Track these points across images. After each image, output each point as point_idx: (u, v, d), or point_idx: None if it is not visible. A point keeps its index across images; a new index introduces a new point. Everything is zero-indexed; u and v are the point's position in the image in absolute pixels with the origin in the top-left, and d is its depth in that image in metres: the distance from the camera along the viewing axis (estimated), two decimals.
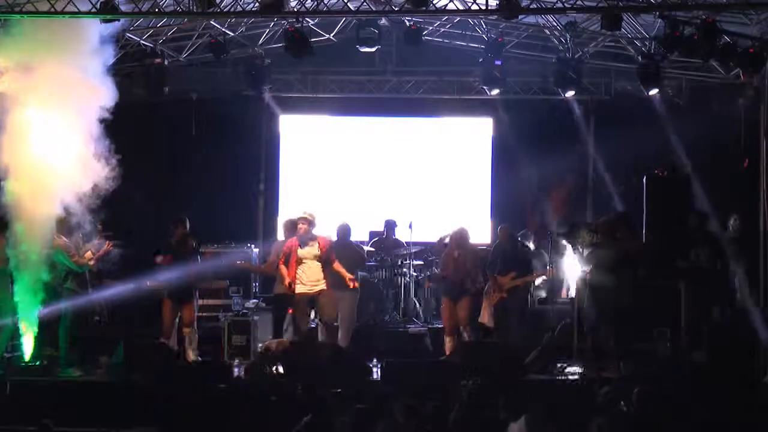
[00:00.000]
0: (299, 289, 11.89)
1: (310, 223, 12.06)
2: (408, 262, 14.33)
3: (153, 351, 11.13)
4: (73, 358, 11.44)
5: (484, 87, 14.91)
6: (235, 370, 11.53)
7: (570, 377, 11.12)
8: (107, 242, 11.76)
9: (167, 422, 9.42)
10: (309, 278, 11.95)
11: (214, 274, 13.23)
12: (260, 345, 12.25)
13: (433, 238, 14.22)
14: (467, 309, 12.05)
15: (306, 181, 16.14)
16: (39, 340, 11.47)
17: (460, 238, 12.23)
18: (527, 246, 13.29)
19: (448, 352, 11.94)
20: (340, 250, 12.35)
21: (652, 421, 7.89)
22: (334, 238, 12.68)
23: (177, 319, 11.98)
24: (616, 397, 8.31)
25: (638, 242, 12.43)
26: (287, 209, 15.67)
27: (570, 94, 14.42)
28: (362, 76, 15.86)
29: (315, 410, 8.29)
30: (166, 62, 14.04)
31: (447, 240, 12.59)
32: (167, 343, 11.76)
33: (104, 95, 11.36)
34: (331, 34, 14.53)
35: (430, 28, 14.61)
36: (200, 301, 12.75)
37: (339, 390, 9.69)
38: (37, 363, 11.32)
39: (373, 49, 13.63)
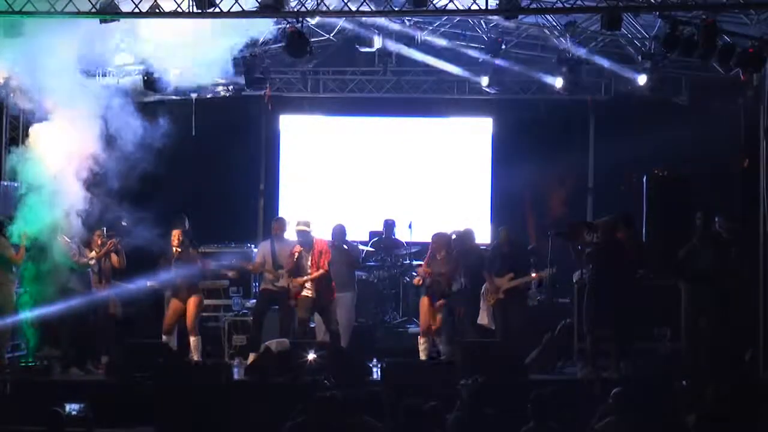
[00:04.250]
0: (304, 292, 12.04)
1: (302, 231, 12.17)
2: (408, 262, 14.33)
3: (153, 351, 11.12)
4: (73, 357, 11.45)
5: (484, 87, 14.92)
6: (235, 370, 11.54)
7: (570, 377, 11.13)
8: (110, 241, 11.79)
9: (167, 422, 9.42)
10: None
11: (214, 274, 13.24)
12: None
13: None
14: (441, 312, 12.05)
15: (306, 181, 16.15)
16: (39, 339, 11.49)
17: (461, 239, 12.31)
18: (525, 247, 13.23)
19: (422, 355, 11.94)
20: (333, 253, 12.34)
21: (654, 421, 7.88)
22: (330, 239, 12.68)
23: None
24: (625, 397, 8.27)
25: (639, 242, 12.42)
26: (287, 209, 15.70)
27: None
28: (362, 76, 15.87)
29: (315, 410, 8.27)
30: None
31: (454, 237, 12.60)
32: (167, 342, 11.80)
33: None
34: (331, 34, 14.54)
35: (430, 28, 14.62)
36: None
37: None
38: (37, 363, 11.32)
39: (373, 49, 13.63)
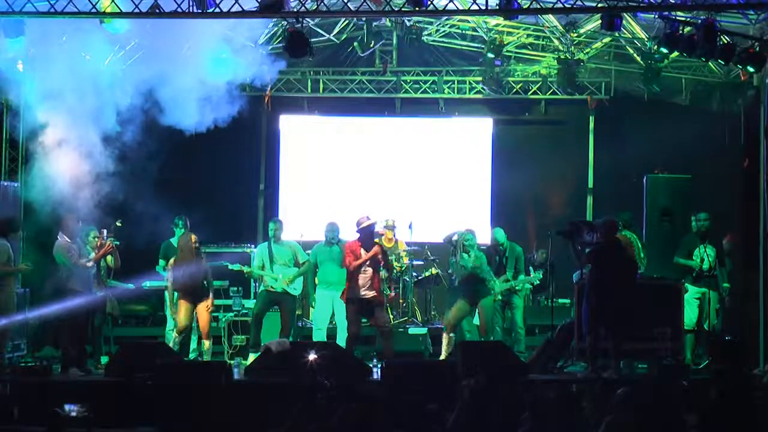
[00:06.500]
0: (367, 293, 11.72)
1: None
2: (408, 262, 14.32)
3: (153, 351, 11.12)
4: (73, 357, 11.45)
5: (484, 87, 14.92)
6: (235, 370, 11.53)
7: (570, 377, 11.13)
8: (108, 242, 11.78)
9: (167, 422, 9.42)
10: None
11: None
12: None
13: (433, 239, 14.24)
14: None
15: (306, 181, 16.15)
16: (39, 340, 11.48)
17: None
18: (511, 251, 13.07)
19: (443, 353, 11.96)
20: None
21: (654, 421, 7.88)
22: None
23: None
24: (625, 397, 8.27)
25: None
26: (287, 209, 15.69)
27: None
28: (362, 76, 15.87)
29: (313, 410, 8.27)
30: None
31: (455, 238, 12.55)
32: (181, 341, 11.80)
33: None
34: (331, 34, 14.54)
35: (430, 28, 14.63)
36: None
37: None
38: (37, 363, 11.32)
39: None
